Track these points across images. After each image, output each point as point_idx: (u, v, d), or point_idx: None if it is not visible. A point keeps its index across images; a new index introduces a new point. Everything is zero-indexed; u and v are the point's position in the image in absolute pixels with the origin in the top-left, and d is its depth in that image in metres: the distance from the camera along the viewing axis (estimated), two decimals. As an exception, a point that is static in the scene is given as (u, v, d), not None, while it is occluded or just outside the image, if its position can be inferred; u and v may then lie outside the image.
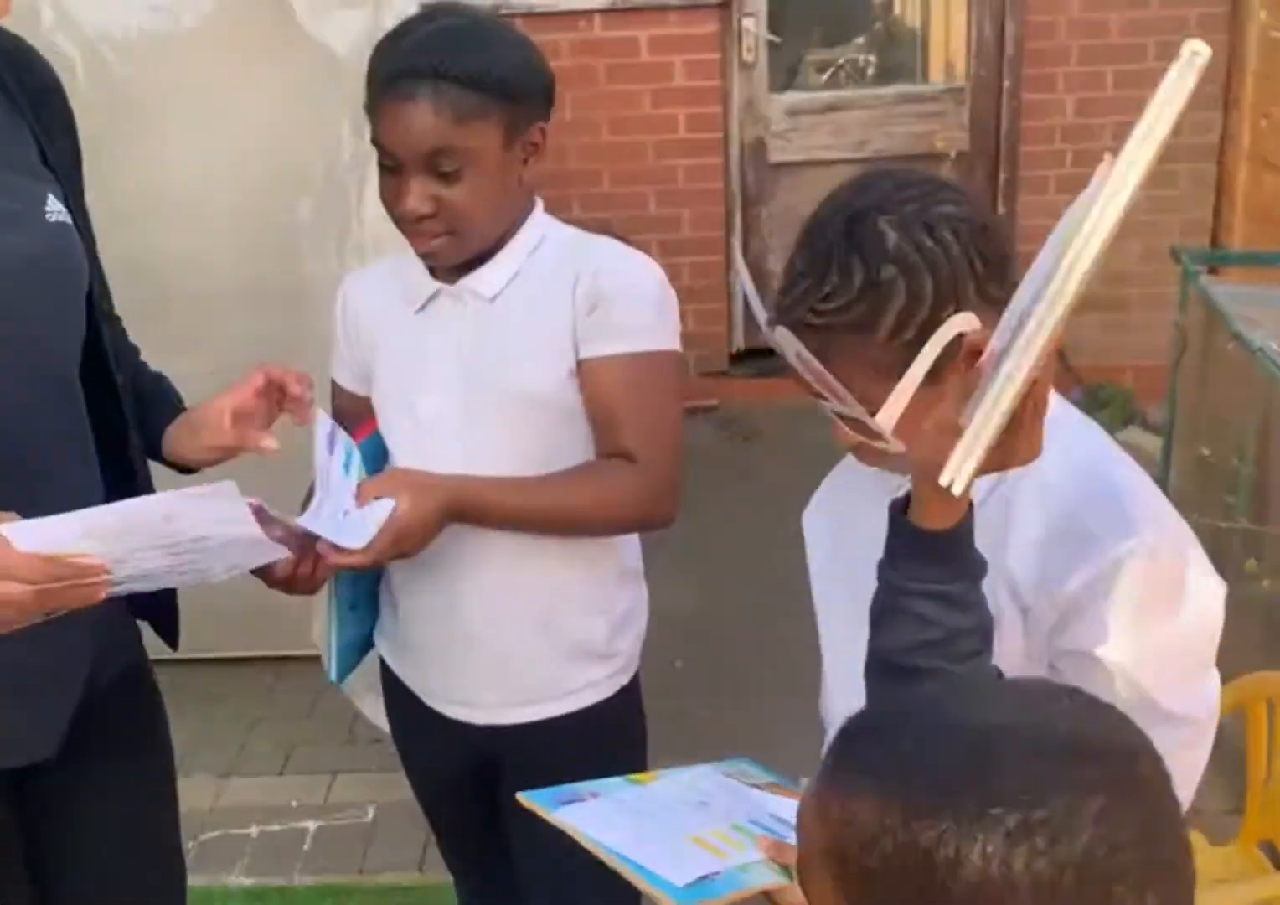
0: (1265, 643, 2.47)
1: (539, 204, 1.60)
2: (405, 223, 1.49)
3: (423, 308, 1.58)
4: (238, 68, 2.71)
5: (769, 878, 1.18)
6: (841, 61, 4.83)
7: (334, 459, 1.48)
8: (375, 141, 1.48)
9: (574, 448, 1.56)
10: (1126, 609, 1.13)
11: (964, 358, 1.05)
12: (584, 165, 4.49)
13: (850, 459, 1.44)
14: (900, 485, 1.30)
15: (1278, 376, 2.50)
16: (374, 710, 2.79)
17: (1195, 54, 0.88)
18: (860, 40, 4.87)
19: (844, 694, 1.39)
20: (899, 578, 1.06)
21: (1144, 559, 1.12)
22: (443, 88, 1.42)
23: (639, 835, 1.20)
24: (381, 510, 1.40)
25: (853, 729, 0.82)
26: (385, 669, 1.74)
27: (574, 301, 1.52)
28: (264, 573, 1.47)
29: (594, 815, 1.23)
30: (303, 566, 1.45)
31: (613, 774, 1.66)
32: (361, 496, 1.43)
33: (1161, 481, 3.49)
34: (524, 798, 1.24)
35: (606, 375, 1.53)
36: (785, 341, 1.11)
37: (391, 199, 1.48)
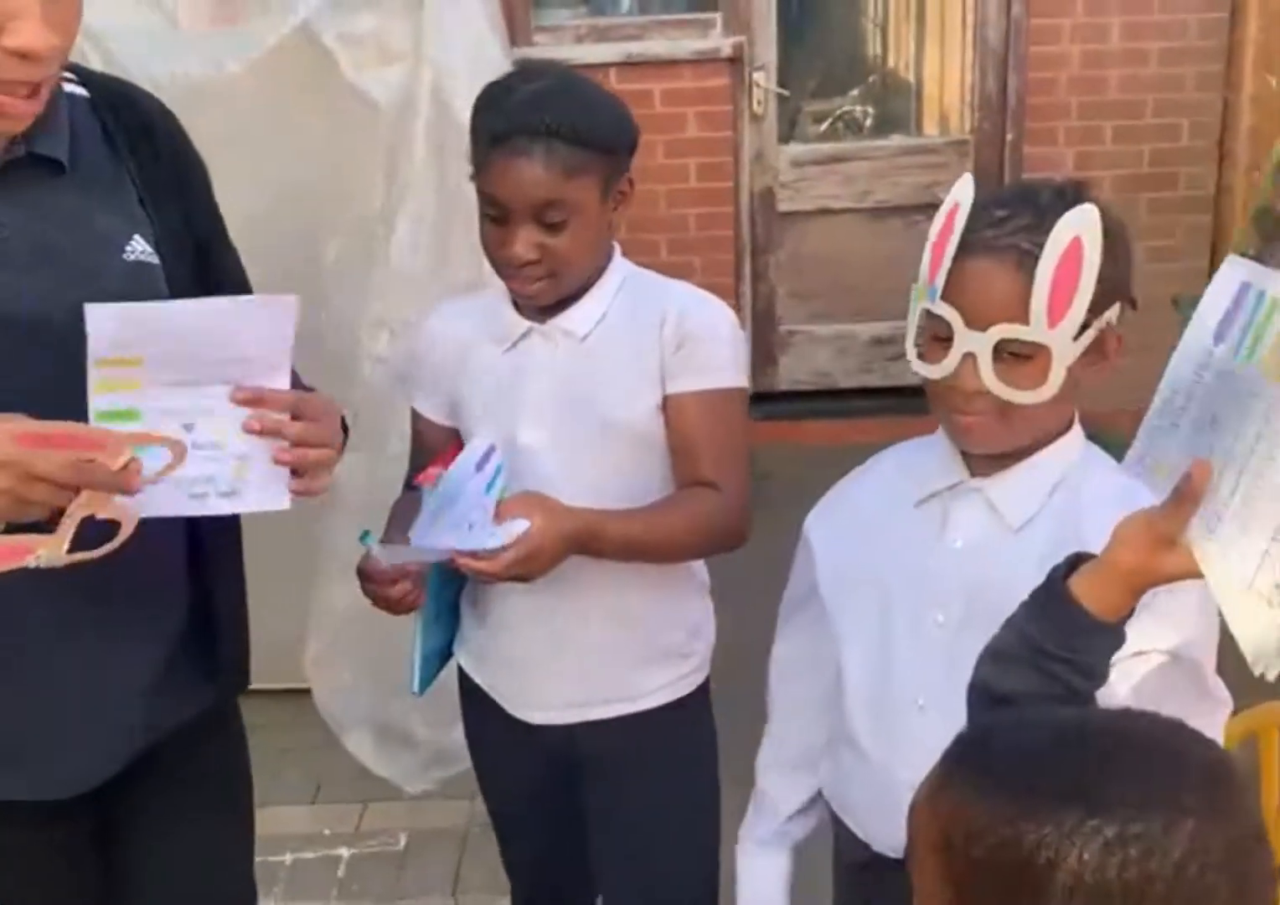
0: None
1: (617, 248, 1.70)
2: (509, 268, 1.59)
3: (514, 345, 1.67)
4: (279, 114, 2.78)
5: None
6: (839, 113, 4.98)
7: (479, 477, 1.55)
8: (482, 192, 1.57)
9: (654, 475, 1.68)
10: (1189, 604, 1.23)
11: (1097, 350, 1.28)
12: (598, 213, 4.60)
13: (869, 466, 1.54)
14: (932, 494, 1.40)
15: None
16: (358, 745, 2.83)
17: None
18: (855, 92, 5.01)
19: (865, 692, 1.47)
20: (1040, 637, 1.08)
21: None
22: (554, 145, 1.52)
23: None
24: (517, 527, 1.47)
25: (969, 738, 0.90)
26: (464, 678, 1.82)
27: (661, 340, 1.63)
28: (372, 585, 1.56)
29: None
30: (411, 592, 1.56)
31: (687, 765, 1.76)
32: (500, 514, 1.50)
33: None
34: None
35: (691, 409, 1.64)
36: (1077, 222, 1.23)
37: (495, 245, 1.59)
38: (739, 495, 1.66)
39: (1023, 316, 1.25)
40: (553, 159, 1.53)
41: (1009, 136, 4.65)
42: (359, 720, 2.84)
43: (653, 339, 1.64)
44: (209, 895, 1.66)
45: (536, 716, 1.74)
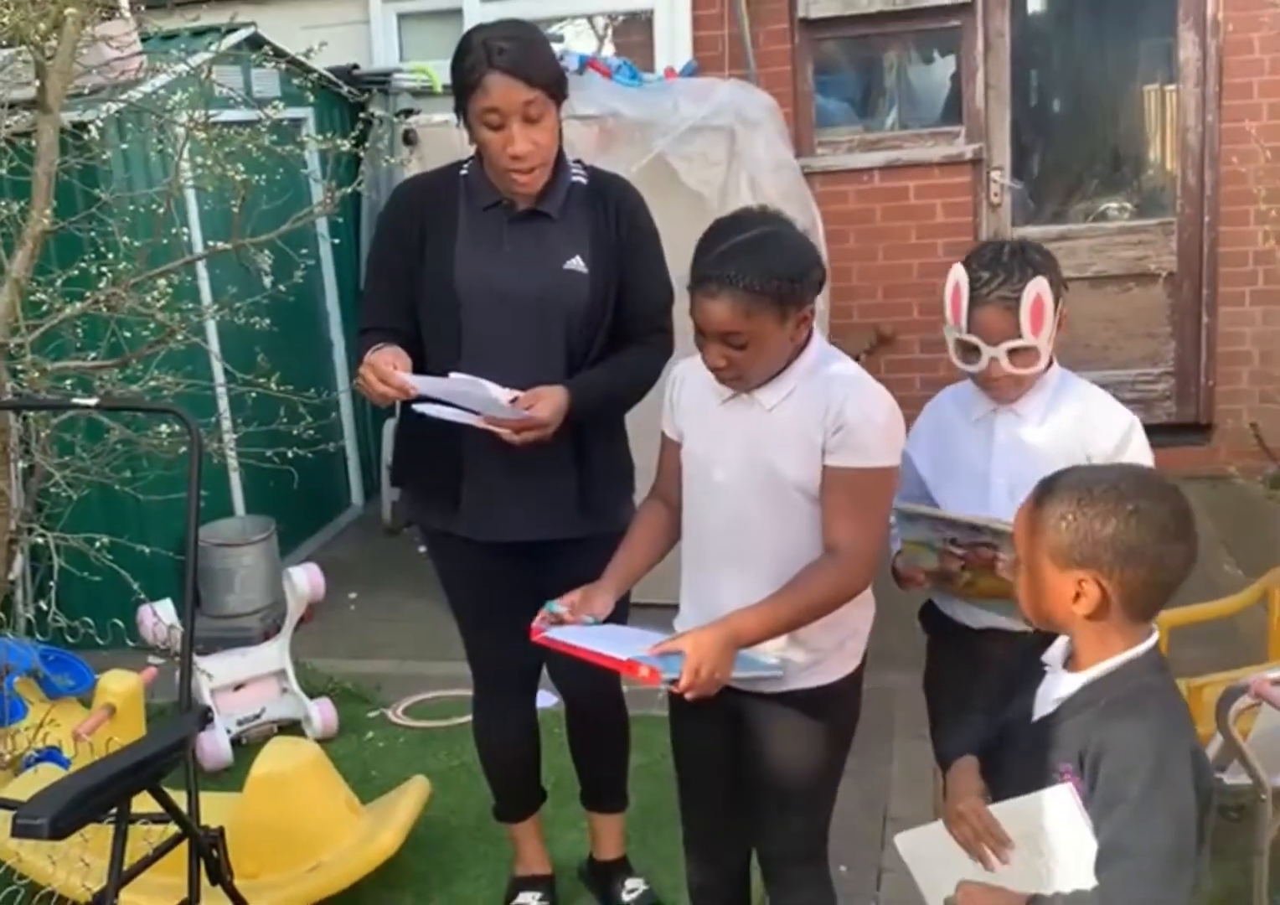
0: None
1: (818, 337, 2.09)
2: (711, 370, 2.05)
3: (724, 402, 2.12)
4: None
5: None
6: (1081, 205, 5.99)
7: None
8: (692, 313, 2.00)
9: (812, 518, 2.06)
10: (1137, 442, 2.28)
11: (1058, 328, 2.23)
12: (863, 282, 5.77)
13: (934, 402, 2.45)
14: (980, 417, 2.34)
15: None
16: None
17: None
18: (1092, 185, 6.01)
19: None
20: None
21: (1136, 423, 2.29)
22: (734, 293, 1.92)
23: None
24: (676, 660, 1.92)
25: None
26: None
27: (825, 422, 2.00)
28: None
29: None
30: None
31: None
32: (660, 648, 1.95)
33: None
34: None
35: (838, 481, 2.00)
36: (1035, 283, 2.16)
37: (701, 351, 2.04)
38: (860, 558, 2.00)
39: (1017, 334, 2.17)
40: (734, 302, 1.92)
41: (1206, 219, 5.62)
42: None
43: (819, 420, 2.00)
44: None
45: None
